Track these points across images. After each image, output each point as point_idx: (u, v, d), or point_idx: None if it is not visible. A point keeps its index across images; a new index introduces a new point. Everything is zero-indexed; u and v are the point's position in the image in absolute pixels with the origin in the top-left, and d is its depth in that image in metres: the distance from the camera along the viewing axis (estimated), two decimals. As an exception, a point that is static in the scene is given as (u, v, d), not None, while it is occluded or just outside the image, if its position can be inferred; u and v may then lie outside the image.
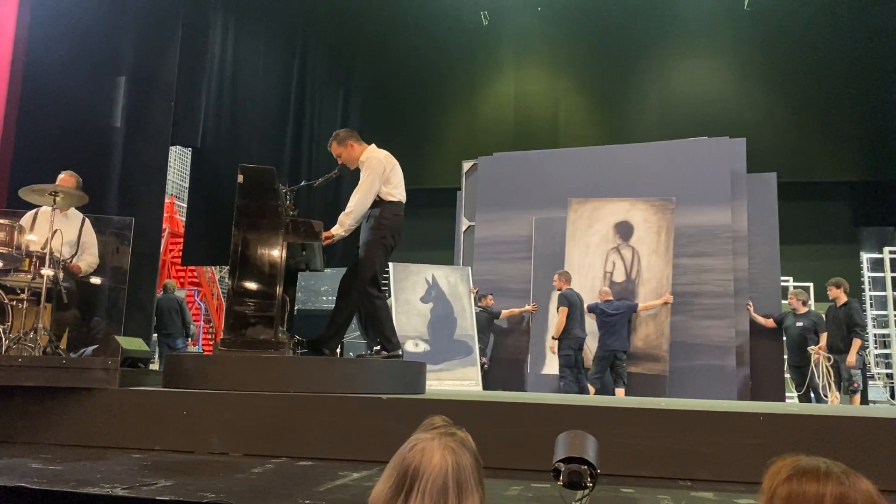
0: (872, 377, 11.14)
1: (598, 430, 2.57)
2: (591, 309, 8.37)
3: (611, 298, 8.29)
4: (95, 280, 6.43)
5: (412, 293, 8.59)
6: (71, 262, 5.39)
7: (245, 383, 4.10)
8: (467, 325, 8.54)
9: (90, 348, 5.01)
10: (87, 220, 5.68)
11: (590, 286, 8.58)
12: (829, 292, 8.08)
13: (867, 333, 7.81)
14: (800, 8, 11.20)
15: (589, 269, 8.69)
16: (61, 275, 4.94)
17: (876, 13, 10.69)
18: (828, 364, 7.81)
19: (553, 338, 8.10)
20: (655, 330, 8.35)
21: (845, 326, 7.74)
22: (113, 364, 4.11)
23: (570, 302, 8.13)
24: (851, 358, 7.60)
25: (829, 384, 7.84)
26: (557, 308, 8.21)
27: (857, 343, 7.64)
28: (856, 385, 7.62)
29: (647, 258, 8.51)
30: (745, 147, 8.87)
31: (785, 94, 11.39)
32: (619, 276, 8.57)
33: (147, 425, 3.95)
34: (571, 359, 8.09)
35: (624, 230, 8.62)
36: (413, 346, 8.37)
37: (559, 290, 8.36)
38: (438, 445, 1.23)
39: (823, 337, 7.99)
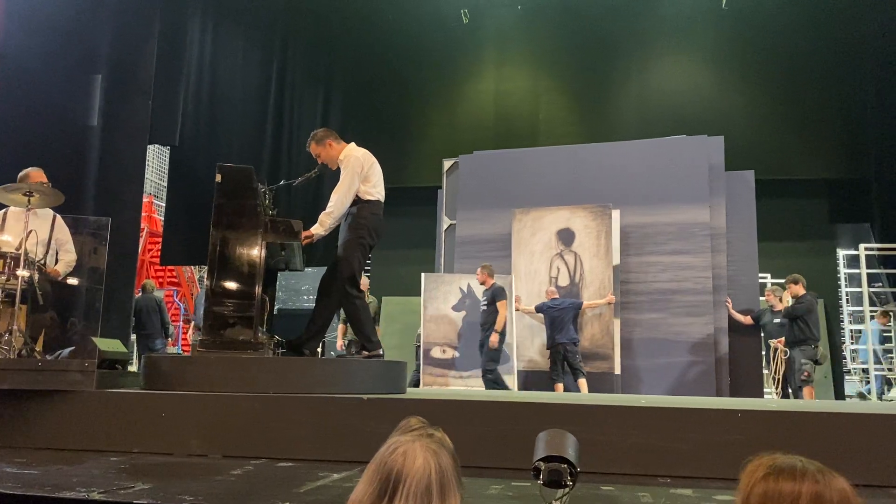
0: (848, 372, 11.28)
1: (578, 428, 2.58)
2: (539, 308, 8.56)
3: (557, 296, 8.44)
4: (72, 280, 6.35)
5: (443, 302, 8.65)
6: (44, 261, 5.31)
7: (224, 384, 4.07)
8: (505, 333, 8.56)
9: (67, 350, 4.94)
10: (58, 216, 5.59)
11: (536, 291, 8.90)
12: (788, 289, 8.21)
13: (809, 326, 7.92)
14: (777, 7, 11.30)
15: (535, 276, 9.01)
16: (36, 276, 4.87)
17: (852, 13, 10.81)
18: (783, 357, 7.94)
19: (496, 331, 8.01)
20: (601, 329, 8.59)
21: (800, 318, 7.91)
22: (90, 366, 4.07)
23: (506, 295, 8.18)
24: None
25: (774, 377, 8.00)
26: (494, 302, 8.13)
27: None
28: (806, 374, 7.72)
29: (589, 262, 8.79)
30: (723, 145, 8.94)
31: (762, 93, 11.48)
32: (564, 281, 8.86)
33: (125, 427, 3.91)
34: (499, 354, 8.10)
35: (566, 237, 8.94)
36: (440, 353, 8.44)
37: (483, 283, 8.37)
38: (420, 447, 1.23)
39: None
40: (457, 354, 8.55)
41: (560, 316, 8.30)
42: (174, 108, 9.27)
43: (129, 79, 8.53)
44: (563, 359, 8.26)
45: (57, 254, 5.58)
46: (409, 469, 1.19)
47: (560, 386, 8.22)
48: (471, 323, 8.54)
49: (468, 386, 8.37)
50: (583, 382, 8.07)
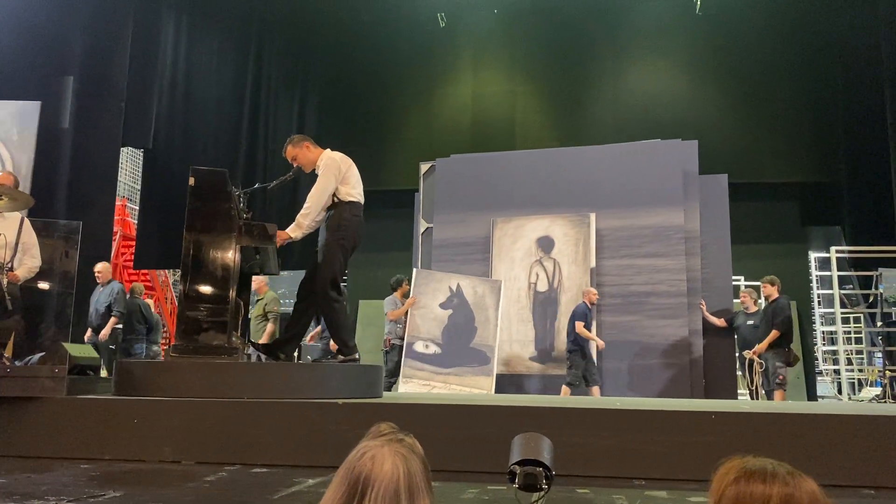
0: (820, 373, 11.44)
1: (553, 431, 2.59)
2: None
3: (587, 301, 8.38)
4: (43, 285, 6.25)
5: (431, 299, 8.70)
6: (11, 266, 5.21)
7: (198, 390, 4.03)
8: (489, 335, 8.59)
9: (36, 356, 4.86)
10: (26, 219, 5.49)
11: (515, 296, 9.05)
12: (763, 290, 8.29)
13: (789, 328, 8.01)
14: (750, 14, 11.45)
15: (514, 281, 9.13)
16: (5, 280, 4.79)
17: (823, 19, 10.99)
18: (759, 370, 7.99)
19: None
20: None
21: (771, 322, 7.95)
22: (60, 372, 4.01)
23: None
24: (762, 347, 7.82)
25: (750, 388, 8.05)
26: None
27: (773, 335, 7.85)
28: (781, 377, 7.80)
29: (568, 268, 8.92)
30: (697, 149, 9.03)
31: (735, 98, 11.63)
32: (542, 286, 8.99)
33: (96, 434, 3.86)
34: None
35: (545, 244, 9.07)
36: (423, 348, 8.51)
37: None
38: (389, 452, 1.22)
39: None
40: (439, 351, 8.59)
41: (570, 320, 8.34)
42: (148, 110, 9.17)
43: (101, 81, 8.44)
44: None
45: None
46: (378, 473, 1.19)
47: (565, 390, 8.18)
48: (457, 322, 8.59)
49: (447, 383, 8.38)
50: (565, 389, 8.06)
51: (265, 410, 3.84)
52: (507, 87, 12.52)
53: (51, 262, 5.83)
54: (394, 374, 8.49)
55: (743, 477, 1.21)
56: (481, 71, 12.67)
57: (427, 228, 9.92)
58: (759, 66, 11.42)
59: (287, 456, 3.71)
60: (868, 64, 10.29)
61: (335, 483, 1.22)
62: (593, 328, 8.42)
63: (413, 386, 8.29)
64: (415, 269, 8.94)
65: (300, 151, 4.96)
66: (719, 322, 8.59)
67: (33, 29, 8.12)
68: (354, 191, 4.94)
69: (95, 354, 5.30)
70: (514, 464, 2.16)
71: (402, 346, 8.55)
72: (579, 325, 8.20)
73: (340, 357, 4.85)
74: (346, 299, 5.06)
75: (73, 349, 4.68)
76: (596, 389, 8.20)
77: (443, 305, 8.76)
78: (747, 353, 8.22)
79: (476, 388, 8.35)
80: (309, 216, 4.79)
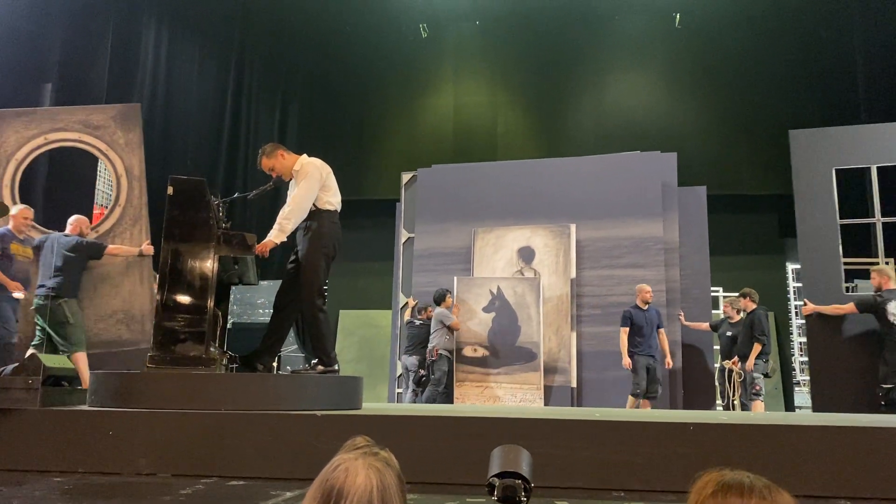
0: (798, 384, 11.53)
1: (533, 442, 2.58)
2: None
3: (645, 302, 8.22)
4: (18, 295, 6.18)
5: (475, 304, 8.82)
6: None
7: (174, 401, 3.98)
8: (532, 332, 8.67)
9: (10, 366, 4.79)
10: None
11: None
12: (740, 303, 8.36)
13: (768, 339, 8.08)
14: (728, 27, 11.60)
15: None
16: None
17: (799, 33, 11.15)
18: (738, 380, 8.03)
19: None
20: (558, 342, 8.73)
21: (750, 333, 8.02)
22: (34, 383, 3.95)
23: None
24: (750, 363, 7.87)
25: (736, 397, 8.09)
26: None
27: (756, 348, 7.89)
28: (757, 388, 7.86)
29: (548, 278, 8.95)
30: (676, 161, 9.10)
31: (714, 110, 11.76)
32: None
33: (70, 446, 3.80)
34: None
35: (526, 254, 9.14)
36: (472, 352, 8.66)
37: None
38: (363, 465, 1.21)
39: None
40: (487, 353, 8.67)
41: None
42: (127, 118, 9.09)
43: (80, 88, 8.38)
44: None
45: None
46: (351, 486, 1.18)
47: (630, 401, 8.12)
48: (502, 324, 8.69)
49: (499, 382, 8.50)
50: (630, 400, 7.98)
51: (243, 422, 3.80)
52: (489, 98, 12.58)
53: (27, 271, 5.77)
54: (440, 382, 8.46)
55: (720, 490, 1.21)
56: (463, 81, 12.72)
57: (408, 238, 9.92)
58: (738, 78, 11.57)
59: (265, 468, 3.67)
60: (845, 78, 10.45)
61: (308, 496, 1.21)
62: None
63: (467, 388, 8.51)
64: (455, 278, 9.01)
65: (276, 161, 4.91)
66: (703, 326, 8.64)
67: (11, 35, 8.04)
68: (334, 199, 4.92)
69: (71, 364, 5.22)
70: (493, 476, 2.15)
71: (449, 357, 8.56)
72: (621, 332, 8.13)
73: (320, 367, 4.81)
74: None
75: (48, 359, 4.61)
76: (644, 402, 8.00)
77: (485, 309, 8.86)
78: (727, 363, 8.26)
79: (527, 384, 8.43)
80: (292, 220, 4.72)
